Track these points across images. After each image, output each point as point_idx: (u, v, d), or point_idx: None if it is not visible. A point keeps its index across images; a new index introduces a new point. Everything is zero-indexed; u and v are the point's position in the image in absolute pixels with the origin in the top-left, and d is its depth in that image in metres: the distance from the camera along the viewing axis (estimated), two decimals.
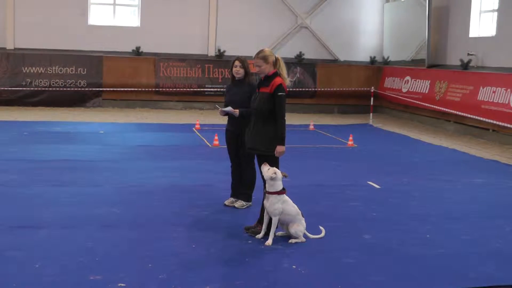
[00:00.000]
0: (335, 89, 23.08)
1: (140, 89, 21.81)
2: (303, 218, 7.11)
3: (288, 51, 23.98)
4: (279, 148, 7.19)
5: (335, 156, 13.39)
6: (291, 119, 20.37)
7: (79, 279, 5.68)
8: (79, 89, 21.57)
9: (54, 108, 20.86)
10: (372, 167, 12.21)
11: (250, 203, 8.59)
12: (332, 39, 24.49)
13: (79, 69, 21.68)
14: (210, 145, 14.17)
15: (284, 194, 7.03)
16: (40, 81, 21.29)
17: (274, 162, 7.23)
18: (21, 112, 19.54)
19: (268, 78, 7.27)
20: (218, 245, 6.85)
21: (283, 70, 7.32)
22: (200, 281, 5.70)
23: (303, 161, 12.59)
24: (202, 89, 22.72)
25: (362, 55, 24.85)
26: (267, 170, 6.96)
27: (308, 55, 24.04)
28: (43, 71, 21.37)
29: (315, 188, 10.12)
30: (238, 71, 8.45)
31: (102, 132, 15.71)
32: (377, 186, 10.31)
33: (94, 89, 21.55)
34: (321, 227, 7.38)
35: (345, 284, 5.78)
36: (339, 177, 11.15)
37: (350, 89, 23.07)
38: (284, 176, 7.06)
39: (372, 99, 20.89)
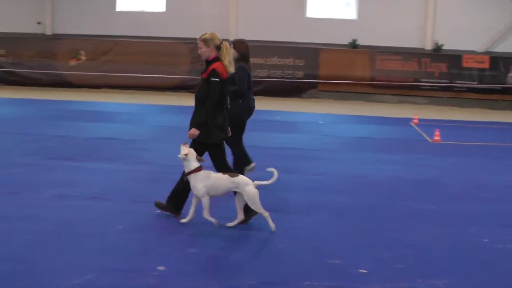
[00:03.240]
0: None
1: (355, 81, 21.87)
2: (247, 185, 6.62)
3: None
4: (193, 131, 6.87)
5: None
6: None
7: (318, 261, 5.82)
8: (296, 80, 22.11)
9: (272, 98, 21.59)
10: None
11: None
12: None
13: (296, 60, 22.25)
14: (430, 140, 13.86)
15: (201, 171, 6.73)
16: (260, 72, 22.13)
17: (215, 150, 7.11)
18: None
19: (208, 63, 7.02)
20: (450, 240, 6.67)
21: (226, 57, 6.98)
22: (435, 274, 5.59)
23: None
24: (417, 83, 22.27)
25: None
26: (182, 150, 6.73)
27: None
28: (262, 62, 22.21)
29: None
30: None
31: (321, 122, 15.98)
32: None
33: (310, 80, 21.97)
34: (271, 169, 6.69)
35: None
36: None
37: None
38: (200, 160, 6.80)
39: None
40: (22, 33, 23.92)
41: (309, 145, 12.53)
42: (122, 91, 21.68)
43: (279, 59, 22.31)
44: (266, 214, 6.69)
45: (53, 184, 8.45)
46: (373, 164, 10.81)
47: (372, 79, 22.20)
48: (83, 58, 22.52)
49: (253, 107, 8.96)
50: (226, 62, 6.98)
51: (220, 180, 6.72)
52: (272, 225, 6.66)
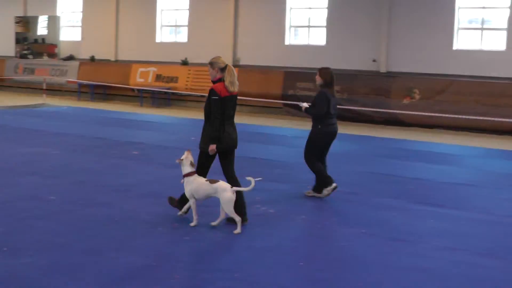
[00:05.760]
0: None
1: None
2: (224, 191, 7.59)
3: None
4: (210, 147, 7.91)
5: None
6: None
7: None
8: None
9: None
10: None
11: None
12: None
13: None
14: None
15: (193, 176, 7.84)
16: None
17: (221, 158, 8.13)
18: None
19: (213, 84, 8.00)
20: None
21: (227, 78, 7.90)
22: None
23: None
24: None
25: None
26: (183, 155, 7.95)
27: None
28: None
29: None
30: (316, 79, 9.70)
31: None
32: None
33: None
34: (249, 178, 7.69)
35: None
36: None
37: None
38: (193, 166, 7.93)
39: None
40: (357, 70, 24.46)
41: None
42: (456, 132, 20.80)
43: None
44: (238, 218, 7.59)
45: (434, 233, 8.09)
46: None
47: None
48: (417, 96, 22.15)
49: (332, 132, 9.63)
50: (226, 82, 7.91)
51: (201, 185, 7.77)
52: (239, 230, 7.54)
